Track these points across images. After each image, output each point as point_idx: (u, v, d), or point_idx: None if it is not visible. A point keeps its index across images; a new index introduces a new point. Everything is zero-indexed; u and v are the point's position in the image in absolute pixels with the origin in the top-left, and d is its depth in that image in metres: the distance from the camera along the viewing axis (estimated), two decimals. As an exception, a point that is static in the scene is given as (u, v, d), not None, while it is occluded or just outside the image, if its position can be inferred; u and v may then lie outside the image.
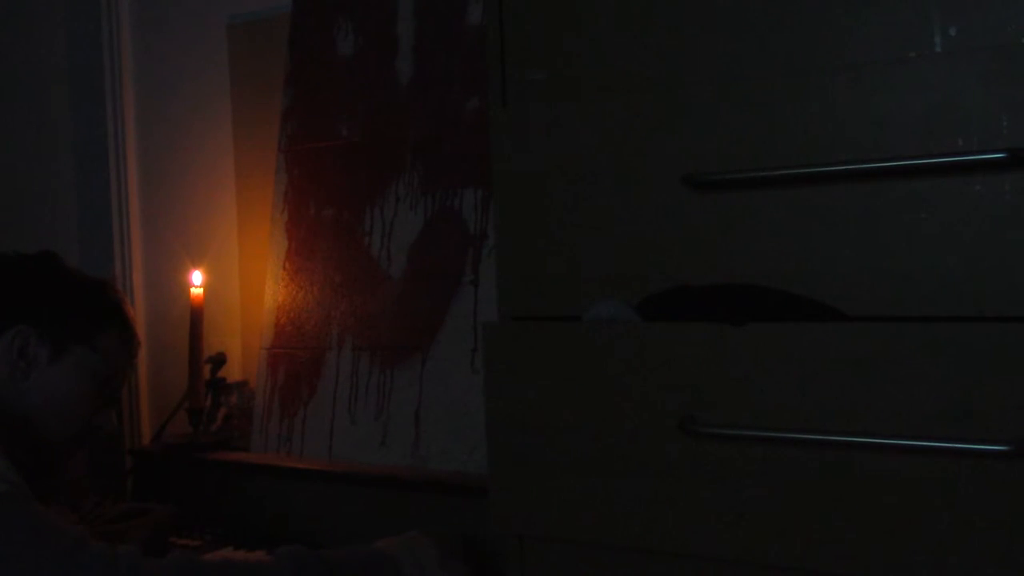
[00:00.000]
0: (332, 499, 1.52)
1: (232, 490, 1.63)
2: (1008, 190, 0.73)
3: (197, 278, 1.82)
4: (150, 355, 2.16)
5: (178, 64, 2.10)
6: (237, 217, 2.00)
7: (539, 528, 0.91)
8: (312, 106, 1.79)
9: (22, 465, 1.17)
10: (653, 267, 0.87)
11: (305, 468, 1.58)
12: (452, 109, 1.61)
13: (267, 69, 1.91)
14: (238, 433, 1.79)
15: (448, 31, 1.64)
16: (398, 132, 1.67)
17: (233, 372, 1.91)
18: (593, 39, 0.90)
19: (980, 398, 0.73)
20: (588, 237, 0.90)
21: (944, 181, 0.75)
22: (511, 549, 0.94)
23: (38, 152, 2.17)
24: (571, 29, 0.91)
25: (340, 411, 1.65)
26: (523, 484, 0.91)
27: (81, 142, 2.16)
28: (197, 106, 2.07)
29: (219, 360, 1.84)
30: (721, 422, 0.82)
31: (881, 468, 0.76)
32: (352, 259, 1.68)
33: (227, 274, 1.99)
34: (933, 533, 0.74)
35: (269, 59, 1.90)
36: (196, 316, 1.79)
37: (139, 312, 2.15)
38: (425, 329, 1.58)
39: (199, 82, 2.07)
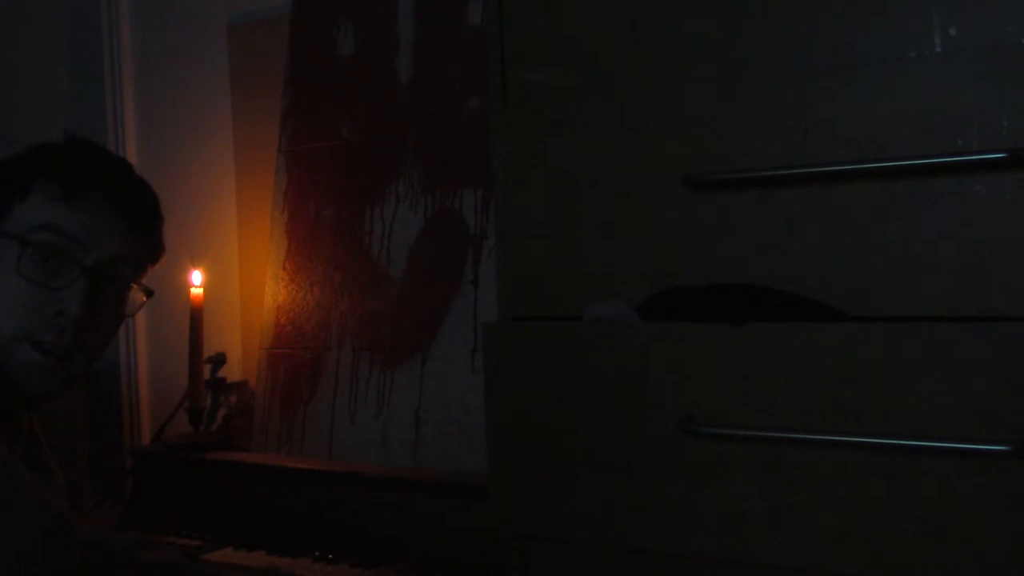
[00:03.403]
0: (332, 499, 1.52)
1: (232, 490, 1.63)
2: (1008, 190, 0.73)
3: (197, 278, 1.82)
4: (150, 355, 2.16)
5: (178, 64, 2.10)
6: (237, 217, 2.00)
7: (539, 528, 0.91)
8: (312, 106, 1.78)
9: None
10: (653, 267, 0.87)
11: (305, 468, 1.57)
12: (452, 109, 1.61)
13: (267, 69, 1.91)
14: (238, 433, 1.79)
15: (448, 31, 1.64)
16: (398, 132, 1.67)
17: (233, 372, 1.91)
18: (593, 39, 0.90)
19: (980, 398, 0.72)
20: (588, 237, 0.90)
21: (944, 181, 0.75)
22: (511, 549, 0.94)
23: (38, 152, 2.16)
24: (571, 29, 0.91)
25: (340, 411, 1.65)
26: (523, 484, 0.91)
27: (81, 142, 2.15)
28: (197, 106, 2.07)
29: (219, 360, 1.84)
30: (721, 422, 0.82)
31: (881, 468, 0.76)
32: (352, 259, 1.68)
33: (227, 274, 1.99)
34: (934, 533, 0.74)
35: (269, 59, 1.90)
36: (196, 316, 1.79)
37: (139, 312, 2.15)
38: (425, 329, 1.58)
39: (199, 82, 2.07)
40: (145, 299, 1.19)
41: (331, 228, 1.72)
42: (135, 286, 1.17)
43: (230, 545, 1.52)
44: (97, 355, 1.16)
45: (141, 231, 1.15)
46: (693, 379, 0.83)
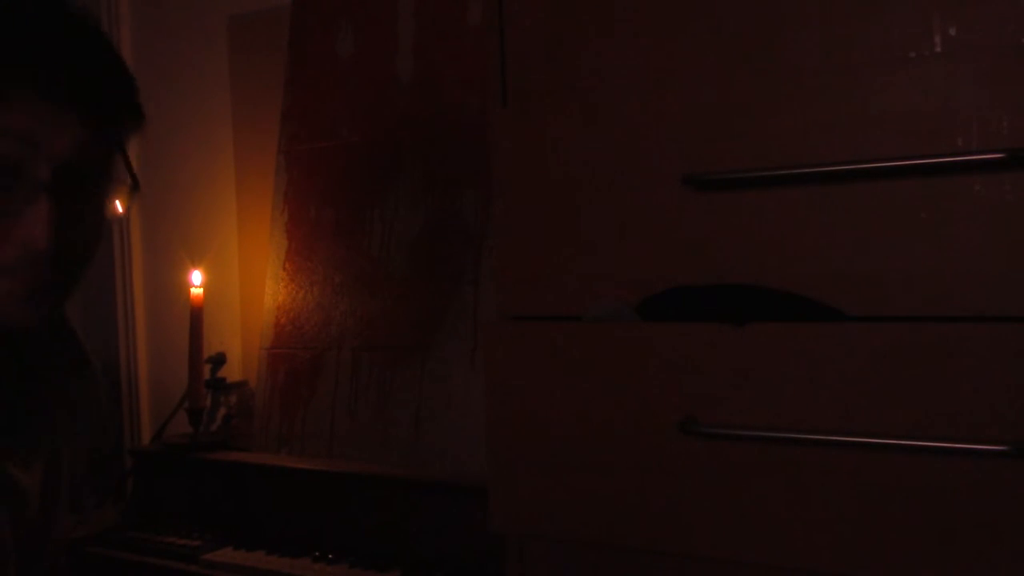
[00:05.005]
0: (332, 499, 1.52)
1: (232, 490, 1.63)
2: (1008, 190, 0.73)
3: (197, 278, 1.82)
4: (150, 355, 2.16)
5: (178, 63, 2.10)
6: (237, 217, 2.00)
7: (539, 528, 0.91)
8: (312, 106, 1.79)
9: None
10: (653, 267, 0.87)
11: (305, 468, 1.58)
12: (452, 109, 1.61)
13: (267, 68, 1.91)
14: (238, 433, 1.79)
15: (448, 31, 1.64)
16: (398, 132, 1.67)
17: (233, 372, 1.91)
18: (593, 39, 0.90)
19: (980, 398, 0.73)
20: (588, 237, 0.90)
21: (944, 181, 0.75)
22: (511, 549, 0.94)
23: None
24: (570, 29, 0.91)
25: (340, 411, 1.65)
26: (523, 484, 0.91)
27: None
28: (197, 106, 2.07)
29: (219, 360, 1.85)
30: (721, 422, 0.82)
31: (881, 468, 0.76)
32: (352, 259, 1.68)
33: (227, 274, 1.99)
34: (933, 533, 0.74)
35: (269, 58, 1.90)
36: (196, 316, 1.79)
37: (139, 312, 2.15)
38: (425, 329, 1.58)
39: (199, 81, 2.07)
40: (131, 192, 0.93)
41: (331, 228, 1.72)
42: (117, 185, 0.92)
43: (230, 545, 1.53)
44: (82, 273, 0.92)
45: (101, 112, 0.87)
46: (693, 379, 0.83)
